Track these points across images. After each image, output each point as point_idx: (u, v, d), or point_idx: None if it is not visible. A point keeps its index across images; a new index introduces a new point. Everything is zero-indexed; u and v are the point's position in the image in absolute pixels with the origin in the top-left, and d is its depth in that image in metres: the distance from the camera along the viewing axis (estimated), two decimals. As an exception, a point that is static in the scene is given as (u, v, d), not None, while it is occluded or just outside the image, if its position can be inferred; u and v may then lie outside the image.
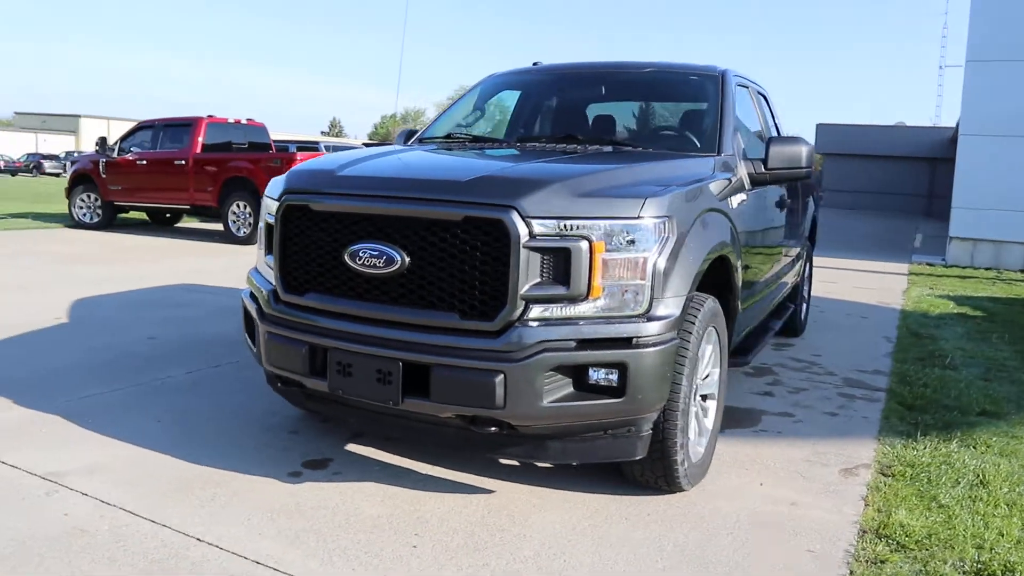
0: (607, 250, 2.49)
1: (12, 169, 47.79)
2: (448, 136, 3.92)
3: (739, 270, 3.32)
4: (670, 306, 2.59)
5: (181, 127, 12.47)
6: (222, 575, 2.29)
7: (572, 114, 4.14)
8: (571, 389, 2.52)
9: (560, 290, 2.46)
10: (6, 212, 16.12)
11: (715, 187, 3.09)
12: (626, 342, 2.50)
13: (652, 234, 2.55)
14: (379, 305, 2.64)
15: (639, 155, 3.36)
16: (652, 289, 2.55)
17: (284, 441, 3.37)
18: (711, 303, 2.93)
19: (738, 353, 3.87)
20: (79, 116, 73.40)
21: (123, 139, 12.90)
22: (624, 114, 4.16)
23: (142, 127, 12.93)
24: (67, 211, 13.15)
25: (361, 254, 2.61)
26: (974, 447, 3.68)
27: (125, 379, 4.17)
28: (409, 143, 4.05)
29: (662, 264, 2.56)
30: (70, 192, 12.95)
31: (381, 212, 2.62)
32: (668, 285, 2.58)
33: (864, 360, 5.44)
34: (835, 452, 3.54)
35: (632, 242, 2.52)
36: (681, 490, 2.93)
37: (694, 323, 2.76)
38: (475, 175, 2.62)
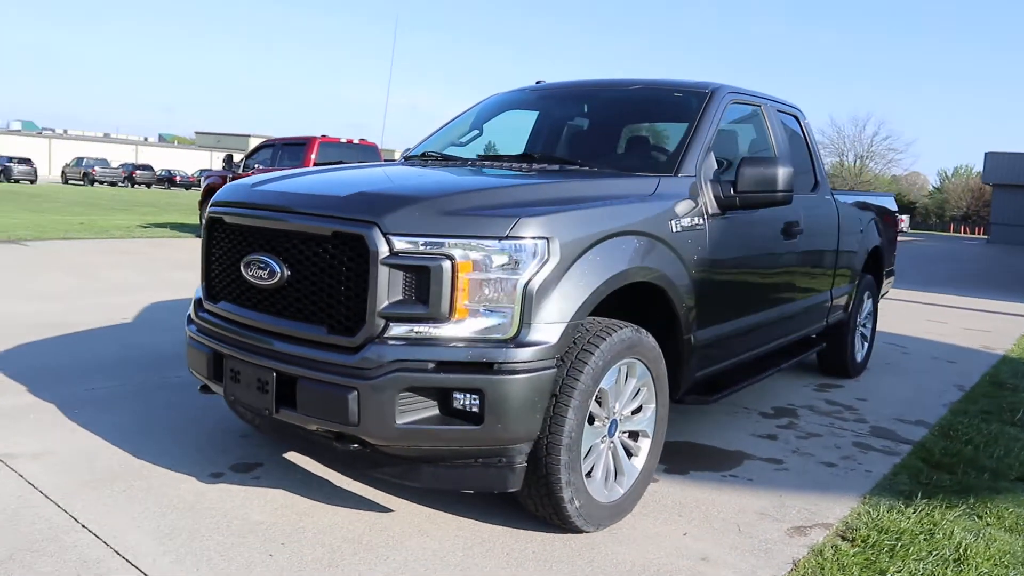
0: (474, 270, 2.39)
1: (187, 183, 53.28)
2: (423, 155, 3.93)
3: (686, 299, 3.07)
4: (544, 333, 2.44)
5: (297, 146, 13.38)
6: (78, 559, 2.41)
7: (546, 133, 4.03)
8: (434, 412, 2.43)
9: (421, 310, 2.39)
10: (162, 222, 18.02)
11: (643, 209, 2.89)
12: (487, 367, 2.38)
13: (523, 255, 2.43)
14: (264, 315, 2.70)
15: (571, 173, 3.20)
16: (522, 314, 2.41)
17: (229, 444, 3.50)
18: (626, 333, 2.73)
19: (711, 389, 3.58)
20: (249, 136, 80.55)
21: (248, 156, 14.04)
22: (598, 132, 3.98)
23: (264, 146, 14.01)
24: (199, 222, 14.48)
25: (252, 265, 2.67)
26: (979, 516, 3.17)
27: (133, 376, 4.51)
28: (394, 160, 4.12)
29: (535, 288, 2.42)
30: (201, 205, 14.24)
31: (270, 226, 2.69)
32: (543, 310, 2.44)
33: (913, 409, 4.84)
34: (800, 507, 3.17)
35: (501, 263, 2.41)
36: (580, 531, 2.73)
37: (591, 352, 2.59)
38: (352, 191, 2.62)
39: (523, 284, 2.41)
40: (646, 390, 2.97)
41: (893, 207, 6.15)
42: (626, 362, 2.79)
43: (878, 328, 7.92)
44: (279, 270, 2.61)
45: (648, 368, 2.92)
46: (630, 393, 2.88)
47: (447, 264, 2.37)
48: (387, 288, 2.40)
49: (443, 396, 2.43)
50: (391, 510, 2.92)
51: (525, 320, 2.41)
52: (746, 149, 4.05)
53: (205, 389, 3.06)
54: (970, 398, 5.21)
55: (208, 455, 3.34)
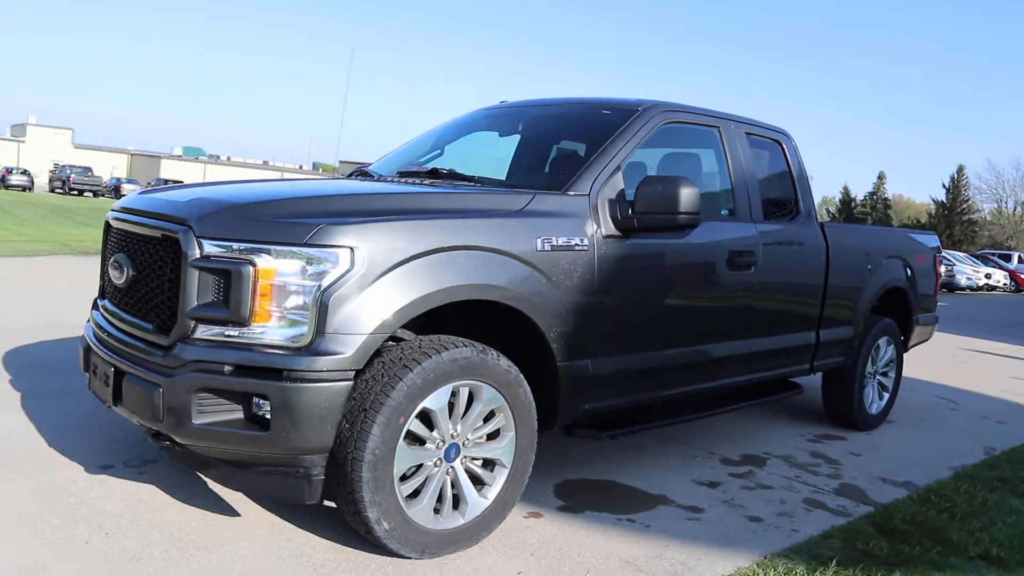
0: (275, 276, 2.38)
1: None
2: (360, 172, 3.97)
3: (560, 325, 2.90)
4: (339, 344, 2.38)
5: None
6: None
7: (471, 150, 3.95)
8: (236, 416, 2.43)
9: (223, 313, 2.40)
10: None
11: (496, 225, 2.76)
12: (276, 373, 2.35)
13: (323, 264, 2.39)
14: (119, 311, 2.82)
15: (445, 187, 3.12)
16: (318, 322, 2.37)
17: (142, 438, 3.65)
18: (460, 353, 2.61)
19: (620, 423, 3.35)
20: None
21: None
22: (522, 150, 3.84)
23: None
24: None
25: (112, 264, 2.80)
26: (891, 594, 2.75)
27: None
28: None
29: (333, 297, 2.37)
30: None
31: (127, 228, 2.82)
32: (340, 321, 2.38)
33: (909, 469, 4.29)
34: (677, 561, 2.88)
35: (299, 270, 2.38)
36: (398, 555, 2.62)
37: (408, 368, 2.50)
38: (192, 197, 2.69)
39: (320, 292, 2.37)
40: (503, 417, 2.82)
41: (932, 244, 5.54)
42: (466, 384, 2.67)
43: (935, 380, 7.17)
44: (127, 269, 2.72)
45: (501, 393, 2.77)
46: (476, 418, 2.74)
47: (249, 269, 2.37)
48: (196, 289, 2.43)
49: (245, 400, 2.43)
50: (239, 514, 2.93)
51: (320, 329, 2.37)
52: (688, 172, 3.79)
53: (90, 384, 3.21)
54: (991, 463, 4.56)
55: (116, 450, 3.49)
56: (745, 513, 3.43)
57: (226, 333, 2.42)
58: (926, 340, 5.75)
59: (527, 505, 3.27)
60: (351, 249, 2.41)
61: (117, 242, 2.90)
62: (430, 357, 2.56)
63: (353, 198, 2.75)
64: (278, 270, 2.38)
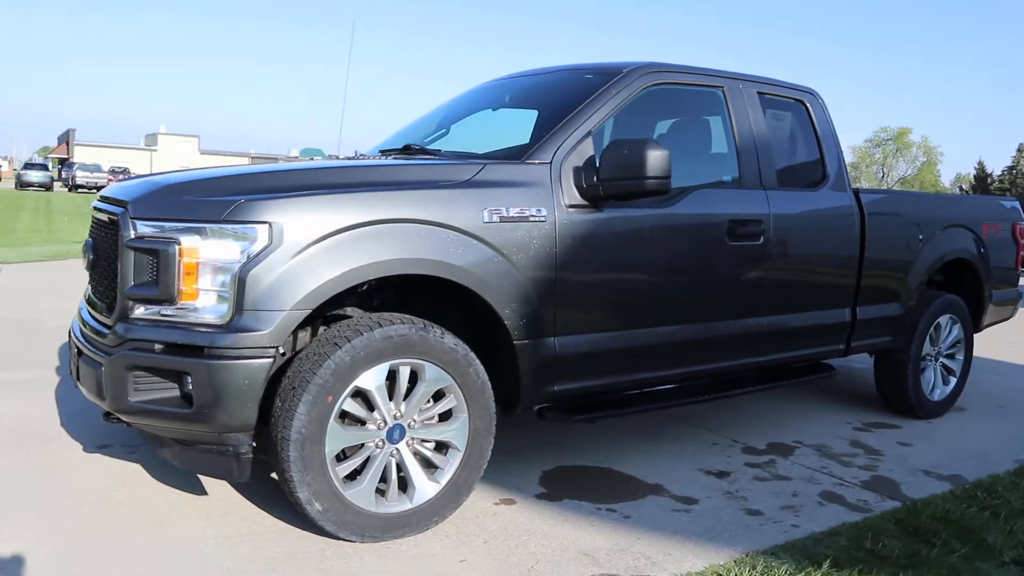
0: (198, 254, 2.37)
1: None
2: (355, 155, 3.94)
3: (517, 301, 2.74)
4: (258, 320, 2.33)
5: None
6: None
7: (452, 124, 3.79)
8: (173, 394, 2.44)
9: (154, 292, 2.41)
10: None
11: (438, 196, 2.63)
12: (197, 351, 2.34)
13: (242, 240, 2.35)
14: (89, 294, 2.92)
15: (398, 161, 3.01)
16: (237, 299, 2.33)
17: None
18: (397, 330, 2.52)
19: (602, 406, 3.14)
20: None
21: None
22: (498, 122, 3.65)
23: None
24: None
25: (84, 248, 2.89)
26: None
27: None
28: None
29: (251, 273, 2.33)
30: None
31: (94, 215, 2.90)
32: (259, 297, 2.33)
33: (964, 463, 3.82)
34: (643, 555, 2.66)
35: (220, 247, 2.36)
36: (337, 537, 2.56)
37: (337, 346, 2.43)
38: (140, 182, 2.74)
39: (239, 269, 2.34)
40: (453, 397, 2.70)
41: (1008, 211, 4.90)
42: (405, 362, 2.57)
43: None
44: (89, 253, 2.80)
45: (448, 373, 2.65)
46: (421, 398, 2.64)
47: (174, 247, 2.37)
48: (132, 269, 2.46)
49: (178, 378, 2.44)
50: (206, 494, 2.97)
51: (240, 306, 2.34)
52: (681, 137, 3.51)
53: None
54: (1071, 457, 3.99)
55: (117, 431, 3.59)
56: (745, 506, 3.14)
57: (162, 312, 2.43)
58: (1006, 319, 5.12)
59: (504, 491, 3.14)
60: (269, 224, 2.36)
61: (90, 229, 3.00)
62: (361, 335, 2.48)
63: (280, 175, 2.69)
64: (200, 248, 2.37)
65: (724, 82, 3.54)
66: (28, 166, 43.94)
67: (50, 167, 48.18)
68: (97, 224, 2.85)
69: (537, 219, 2.80)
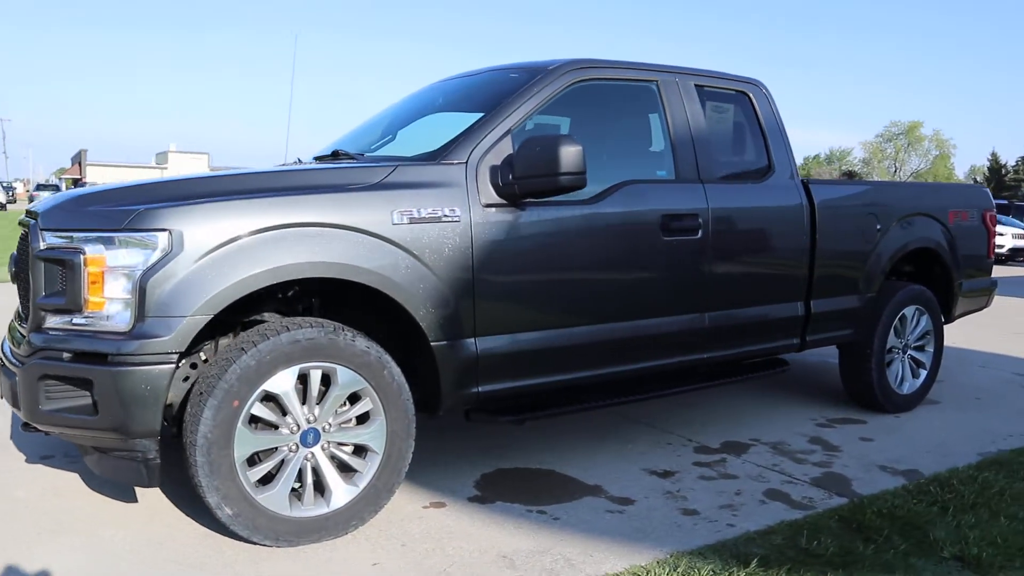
0: (103, 263, 2.37)
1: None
2: (296, 162, 3.95)
3: (431, 303, 2.72)
4: (159, 327, 2.33)
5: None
6: None
7: (388, 129, 3.78)
8: (84, 402, 2.44)
9: (62, 301, 2.42)
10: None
11: (345, 200, 2.62)
12: (101, 358, 2.35)
13: (144, 248, 2.36)
14: (18, 305, 2.94)
15: (318, 166, 3.01)
16: (138, 306, 2.34)
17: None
18: (306, 333, 2.51)
19: (519, 408, 3.10)
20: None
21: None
22: (445, 123, 3.62)
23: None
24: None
25: (10, 261, 2.92)
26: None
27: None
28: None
29: (151, 280, 2.33)
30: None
31: (20, 229, 2.92)
32: (159, 304, 2.33)
33: (923, 456, 3.73)
34: (563, 556, 2.62)
35: (121, 256, 2.37)
36: (251, 541, 2.55)
37: (243, 350, 2.43)
38: (55, 195, 2.78)
39: (140, 276, 2.34)
40: (369, 400, 2.68)
41: (978, 198, 4.79)
42: (316, 366, 2.56)
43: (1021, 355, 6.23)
44: (11, 265, 2.84)
45: (362, 376, 2.64)
46: (335, 402, 2.63)
47: (79, 257, 2.38)
48: (42, 280, 2.48)
49: (87, 386, 2.44)
50: (136, 501, 2.98)
51: (142, 313, 2.34)
52: (608, 132, 3.47)
53: None
54: (1036, 449, 3.88)
55: (60, 443, 3.63)
56: (682, 506, 3.08)
57: (72, 321, 2.44)
58: (980, 309, 5.00)
59: (436, 494, 3.11)
60: (169, 232, 2.36)
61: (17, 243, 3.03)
62: (268, 339, 2.48)
63: (185, 183, 2.70)
64: (105, 257, 2.38)
65: (658, 76, 3.50)
66: (40, 187, 45.18)
67: (63, 187, 49.48)
68: (20, 238, 2.88)
69: (450, 219, 2.78)
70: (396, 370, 2.71)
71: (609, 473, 3.39)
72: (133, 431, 2.37)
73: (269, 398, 2.53)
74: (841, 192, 4.11)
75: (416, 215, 2.71)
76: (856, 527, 2.92)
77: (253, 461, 2.55)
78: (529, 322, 3.00)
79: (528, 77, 3.19)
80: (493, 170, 2.89)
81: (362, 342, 2.63)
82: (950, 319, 4.79)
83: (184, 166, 57.13)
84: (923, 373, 4.59)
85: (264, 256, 2.46)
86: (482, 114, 3.06)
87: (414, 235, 2.71)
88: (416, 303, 2.71)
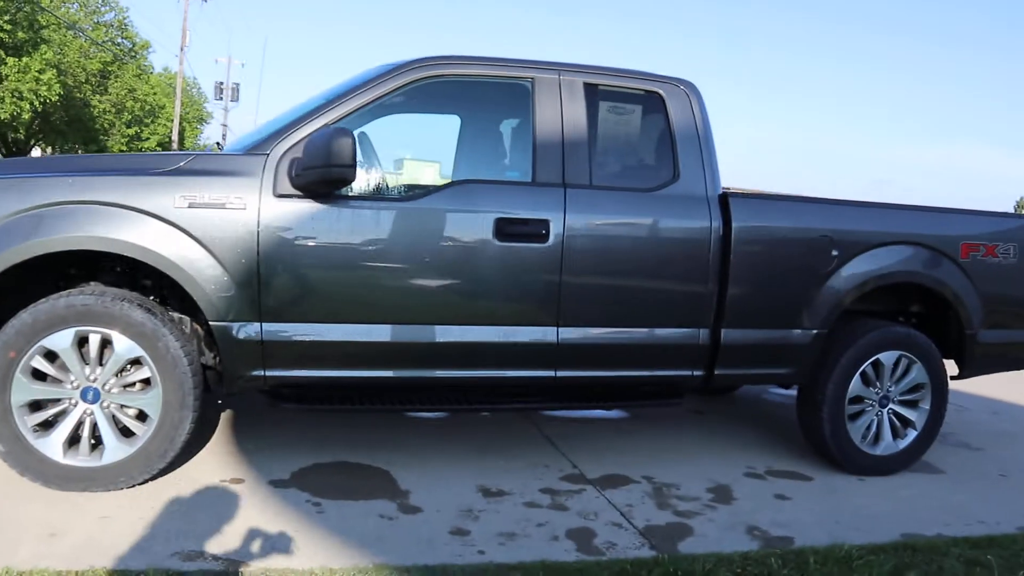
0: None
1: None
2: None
3: (212, 285, 2.85)
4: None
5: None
6: None
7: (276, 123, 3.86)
8: None
9: None
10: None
11: (129, 182, 2.82)
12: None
13: None
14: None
15: (125, 153, 3.23)
16: None
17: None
18: (70, 300, 2.79)
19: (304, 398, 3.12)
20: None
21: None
22: None
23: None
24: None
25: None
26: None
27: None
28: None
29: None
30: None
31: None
32: None
33: (831, 527, 3.11)
34: (275, 547, 2.62)
35: None
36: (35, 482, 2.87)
37: (26, 310, 2.77)
38: None
39: None
40: (147, 369, 2.89)
41: (1008, 230, 3.82)
42: (90, 330, 2.82)
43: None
44: None
45: (139, 344, 2.86)
46: (112, 364, 2.86)
47: None
48: None
49: None
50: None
51: None
52: (463, 132, 3.32)
53: None
54: (1004, 540, 3.03)
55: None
56: (464, 525, 2.89)
57: None
58: (1021, 368, 3.99)
59: (245, 471, 3.23)
60: None
61: None
62: (48, 302, 2.79)
63: (12, 164, 3.09)
64: None
65: (535, 73, 3.30)
66: None
67: None
68: None
69: (236, 207, 2.90)
70: (173, 343, 2.89)
71: (436, 482, 3.27)
72: None
73: (52, 355, 2.84)
74: (777, 210, 3.53)
75: (197, 200, 2.87)
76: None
77: (38, 408, 2.87)
78: (324, 313, 3.02)
79: (373, 75, 3.20)
80: (292, 163, 2.96)
81: (139, 313, 2.85)
82: (963, 374, 3.89)
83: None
84: (911, 433, 3.78)
85: (32, 230, 2.75)
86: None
87: (197, 219, 2.87)
88: (195, 283, 2.87)
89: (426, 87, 3.20)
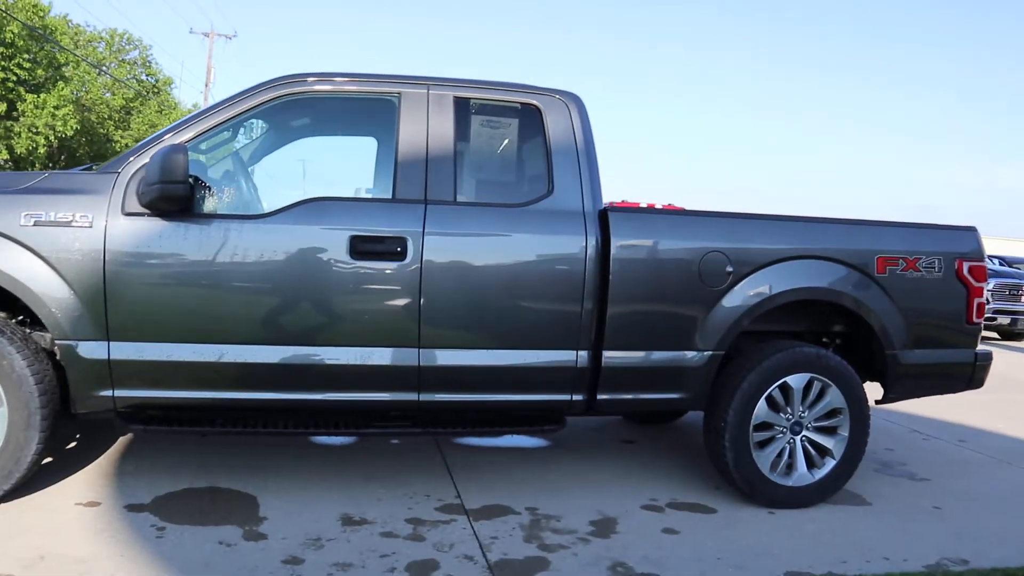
0: None
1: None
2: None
3: (52, 303, 2.85)
4: None
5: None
6: None
7: None
8: None
9: None
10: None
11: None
12: None
13: None
14: None
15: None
16: None
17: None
18: None
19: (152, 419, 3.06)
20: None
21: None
22: None
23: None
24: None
25: None
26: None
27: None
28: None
29: None
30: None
31: None
32: None
33: (706, 567, 2.86)
34: (88, 566, 2.55)
35: None
36: None
37: None
38: None
39: None
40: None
41: (954, 248, 3.53)
42: None
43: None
44: None
45: (-12, 362, 2.87)
46: (-39, 382, 2.88)
47: None
48: None
49: None
50: None
51: None
52: (323, 149, 3.27)
53: None
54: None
55: None
56: (292, 553, 2.76)
57: None
58: (958, 389, 3.64)
59: (104, 494, 3.17)
60: None
61: None
62: None
63: None
64: None
65: (402, 88, 3.24)
66: None
67: None
68: None
69: (82, 225, 2.90)
70: (19, 362, 2.88)
71: (302, 509, 3.16)
72: None
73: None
74: (662, 226, 3.35)
75: (42, 218, 2.89)
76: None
77: None
78: (172, 333, 2.98)
79: (237, 93, 3.20)
80: (139, 181, 2.96)
81: (-13, 336, 2.87)
82: (888, 398, 3.58)
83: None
84: (829, 463, 3.49)
85: None
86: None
87: (42, 236, 2.88)
88: (40, 301, 2.87)
89: (289, 104, 3.19)
